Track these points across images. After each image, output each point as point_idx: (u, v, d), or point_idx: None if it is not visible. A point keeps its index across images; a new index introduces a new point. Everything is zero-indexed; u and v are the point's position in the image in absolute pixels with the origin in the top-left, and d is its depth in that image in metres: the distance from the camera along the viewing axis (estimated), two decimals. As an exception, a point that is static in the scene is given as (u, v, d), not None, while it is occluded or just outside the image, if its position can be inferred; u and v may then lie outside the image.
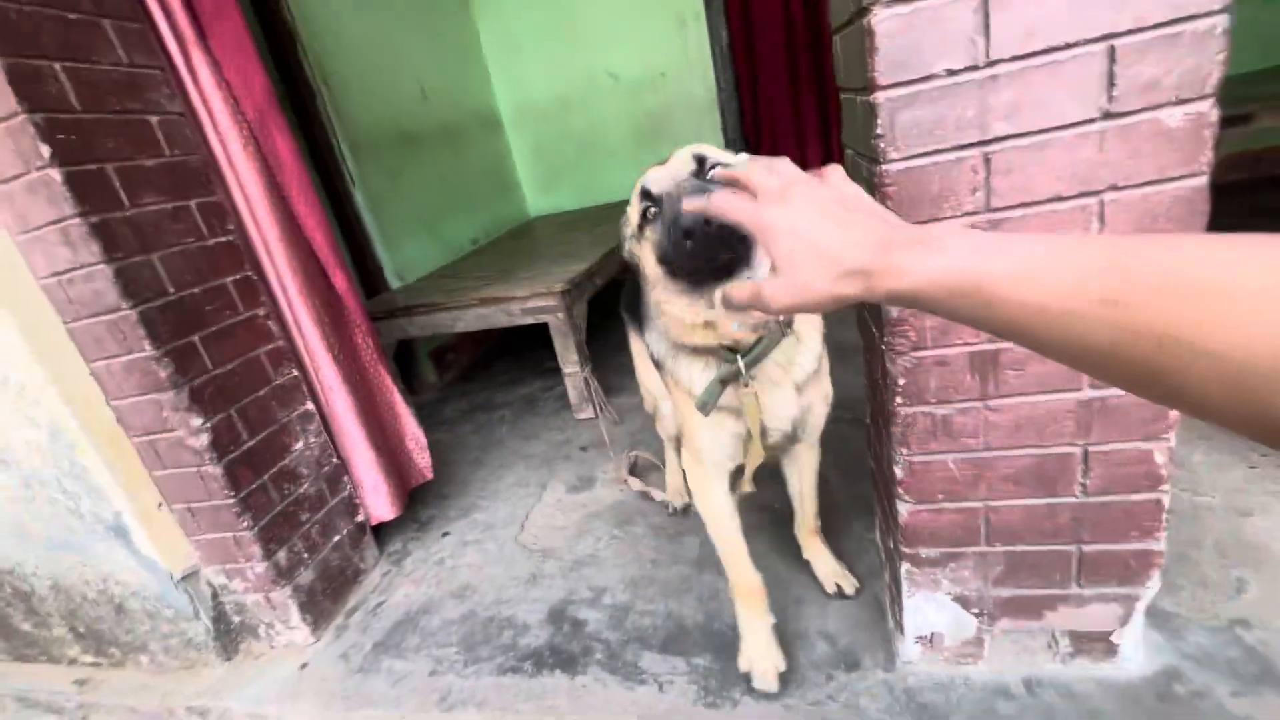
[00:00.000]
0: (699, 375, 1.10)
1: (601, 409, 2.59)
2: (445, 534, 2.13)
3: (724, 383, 1.07)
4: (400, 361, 3.33)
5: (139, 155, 1.45)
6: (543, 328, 2.61)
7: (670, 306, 0.99)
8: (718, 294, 0.87)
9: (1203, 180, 0.83)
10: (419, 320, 2.73)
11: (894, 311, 0.99)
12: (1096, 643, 1.15)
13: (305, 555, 1.76)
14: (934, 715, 1.17)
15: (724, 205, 0.53)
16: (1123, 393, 0.97)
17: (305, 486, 1.78)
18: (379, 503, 1.95)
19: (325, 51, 3.03)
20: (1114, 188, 0.85)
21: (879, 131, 0.89)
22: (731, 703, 1.30)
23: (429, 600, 1.82)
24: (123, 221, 1.40)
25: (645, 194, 0.93)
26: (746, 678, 1.32)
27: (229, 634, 1.77)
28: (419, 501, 2.33)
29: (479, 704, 1.45)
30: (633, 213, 0.99)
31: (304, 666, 1.69)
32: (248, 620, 1.76)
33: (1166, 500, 1.02)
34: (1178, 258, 0.31)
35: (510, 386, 3.31)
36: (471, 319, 2.63)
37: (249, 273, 1.68)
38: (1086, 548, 1.08)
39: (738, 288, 0.53)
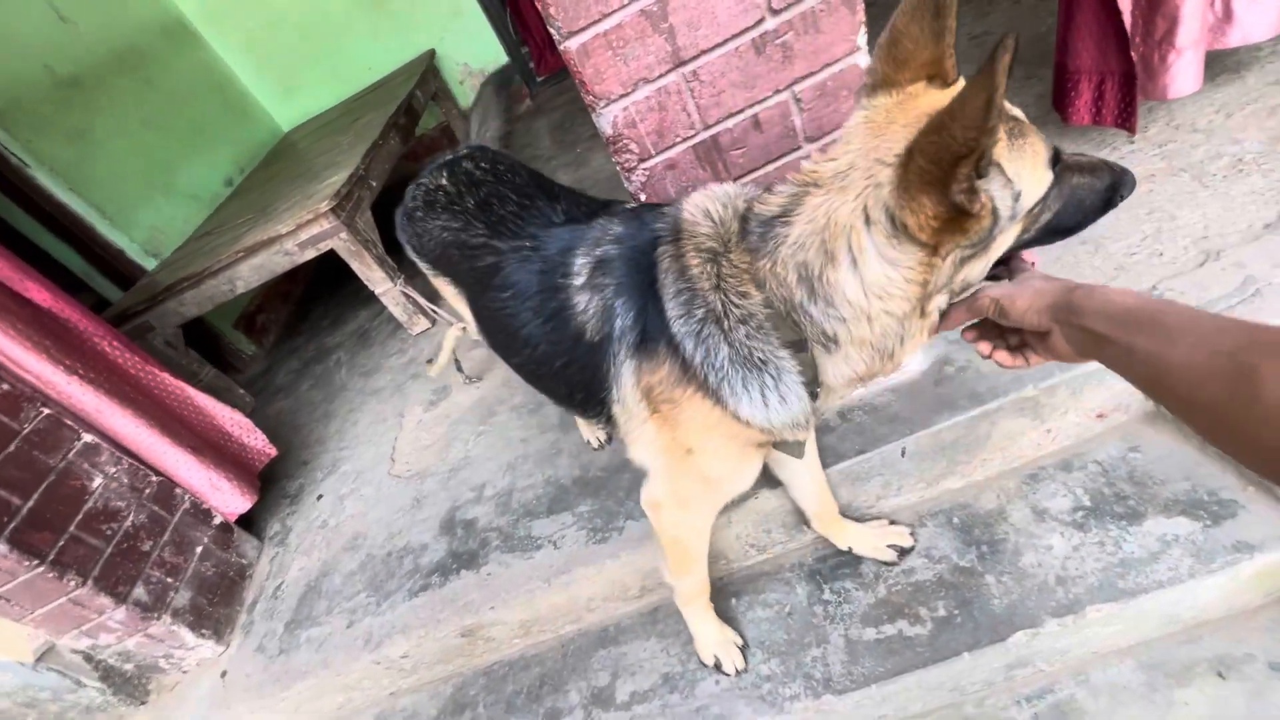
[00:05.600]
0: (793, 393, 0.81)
1: (434, 316, 2.47)
2: (319, 497, 2.05)
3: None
4: (202, 344, 2.96)
5: None
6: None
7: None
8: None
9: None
10: (190, 297, 2.37)
11: (608, 129, 0.95)
12: (883, 360, 1.33)
13: (169, 579, 1.65)
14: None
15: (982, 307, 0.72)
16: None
17: (131, 517, 1.62)
18: (226, 499, 1.83)
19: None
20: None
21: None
22: (618, 531, 1.42)
23: (325, 564, 1.79)
24: None
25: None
26: (716, 665, 1.27)
27: (130, 683, 1.68)
28: (283, 476, 2.21)
29: (403, 630, 1.50)
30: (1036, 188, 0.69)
31: (224, 674, 1.66)
32: (142, 662, 1.67)
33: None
34: None
35: (336, 327, 3.06)
36: (248, 275, 2.32)
37: (-95, 324, 1.35)
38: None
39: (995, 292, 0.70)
